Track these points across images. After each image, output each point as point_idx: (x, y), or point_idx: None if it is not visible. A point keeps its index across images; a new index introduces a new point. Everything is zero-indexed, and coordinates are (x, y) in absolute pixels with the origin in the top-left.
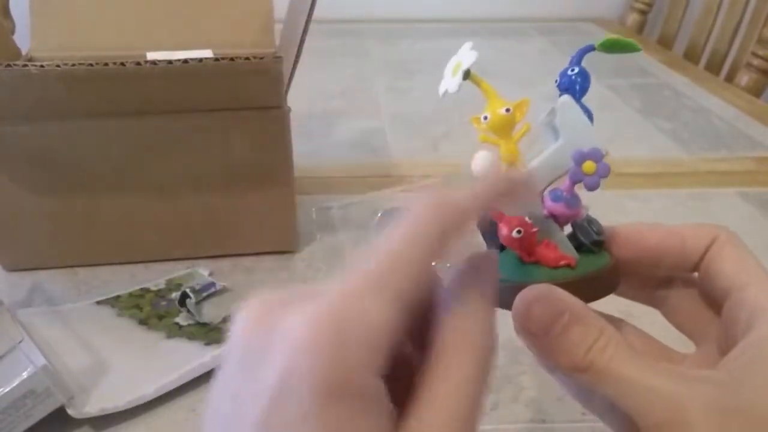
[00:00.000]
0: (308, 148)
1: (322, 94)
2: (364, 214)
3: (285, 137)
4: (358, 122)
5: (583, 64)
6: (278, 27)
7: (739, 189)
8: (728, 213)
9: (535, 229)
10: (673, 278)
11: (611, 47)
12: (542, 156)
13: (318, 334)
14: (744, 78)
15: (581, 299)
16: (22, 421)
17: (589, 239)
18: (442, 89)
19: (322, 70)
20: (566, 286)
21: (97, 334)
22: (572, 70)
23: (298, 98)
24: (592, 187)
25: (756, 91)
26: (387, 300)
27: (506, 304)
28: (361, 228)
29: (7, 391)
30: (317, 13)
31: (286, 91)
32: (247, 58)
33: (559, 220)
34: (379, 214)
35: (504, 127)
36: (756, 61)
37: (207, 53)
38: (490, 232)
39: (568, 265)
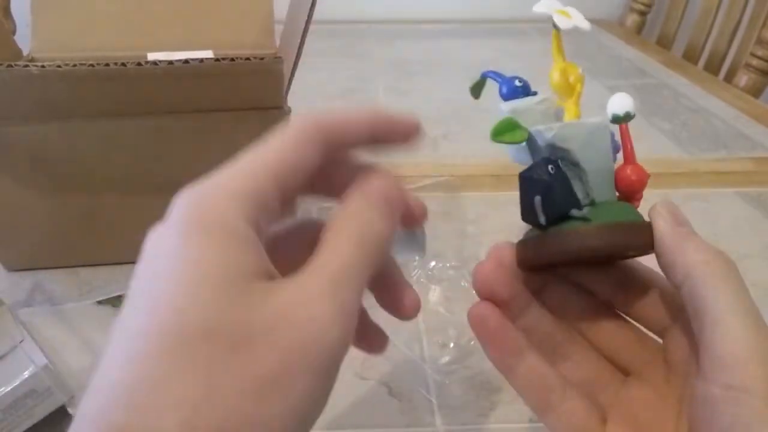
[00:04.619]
0: None
1: (323, 95)
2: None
3: None
4: None
5: (586, 65)
6: (279, 28)
7: (738, 189)
8: (727, 213)
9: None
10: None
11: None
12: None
13: (187, 192)
14: (743, 78)
15: None
16: (23, 421)
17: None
18: (569, 24)
19: (323, 71)
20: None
21: (99, 333)
22: (519, 82)
23: (299, 99)
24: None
25: (755, 92)
26: (249, 172)
27: (634, 239)
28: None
29: (9, 391)
30: (317, 13)
31: (287, 92)
32: (247, 59)
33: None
34: None
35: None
36: (755, 62)
37: (208, 54)
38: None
39: None
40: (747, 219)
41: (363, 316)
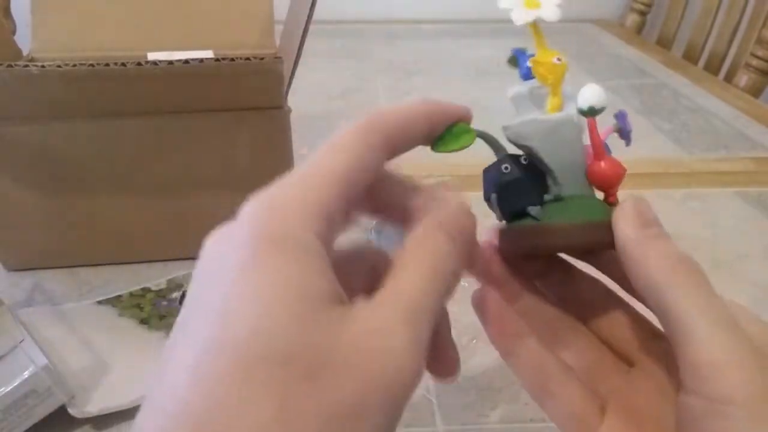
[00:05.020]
0: (309, 149)
1: (323, 95)
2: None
3: (285, 138)
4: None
5: (586, 65)
6: (279, 28)
7: (738, 189)
8: (727, 213)
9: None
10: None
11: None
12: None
13: (255, 203)
14: (743, 78)
15: None
16: (23, 421)
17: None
18: (526, 18)
19: (323, 71)
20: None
21: (98, 333)
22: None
23: (299, 99)
24: (630, 141)
25: (755, 92)
26: (317, 181)
27: (596, 240)
28: (361, 228)
29: (9, 391)
30: (317, 14)
31: (287, 92)
32: (247, 59)
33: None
34: None
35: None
36: (755, 62)
37: (208, 54)
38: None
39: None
40: (747, 219)
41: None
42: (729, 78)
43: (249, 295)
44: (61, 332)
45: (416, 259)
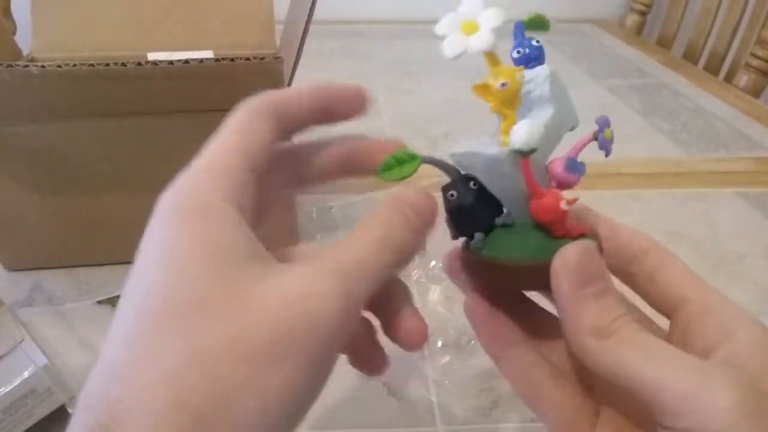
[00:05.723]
0: None
1: None
2: (364, 214)
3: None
4: (358, 122)
5: (586, 65)
6: (279, 28)
7: (738, 189)
8: (727, 213)
9: (576, 198)
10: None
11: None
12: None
13: (164, 193)
14: (743, 78)
15: None
16: (23, 421)
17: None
18: (457, 49)
19: (323, 71)
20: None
21: (98, 333)
22: (536, 42)
23: None
24: (609, 152)
25: (755, 92)
26: (217, 154)
27: (534, 282)
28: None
29: (8, 391)
30: (317, 14)
31: None
32: (247, 59)
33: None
34: None
35: (513, 99)
36: (755, 62)
37: (208, 54)
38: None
39: (582, 235)
40: (747, 219)
41: (369, 335)
42: (729, 78)
43: (161, 262)
44: (61, 332)
45: (365, 229)
